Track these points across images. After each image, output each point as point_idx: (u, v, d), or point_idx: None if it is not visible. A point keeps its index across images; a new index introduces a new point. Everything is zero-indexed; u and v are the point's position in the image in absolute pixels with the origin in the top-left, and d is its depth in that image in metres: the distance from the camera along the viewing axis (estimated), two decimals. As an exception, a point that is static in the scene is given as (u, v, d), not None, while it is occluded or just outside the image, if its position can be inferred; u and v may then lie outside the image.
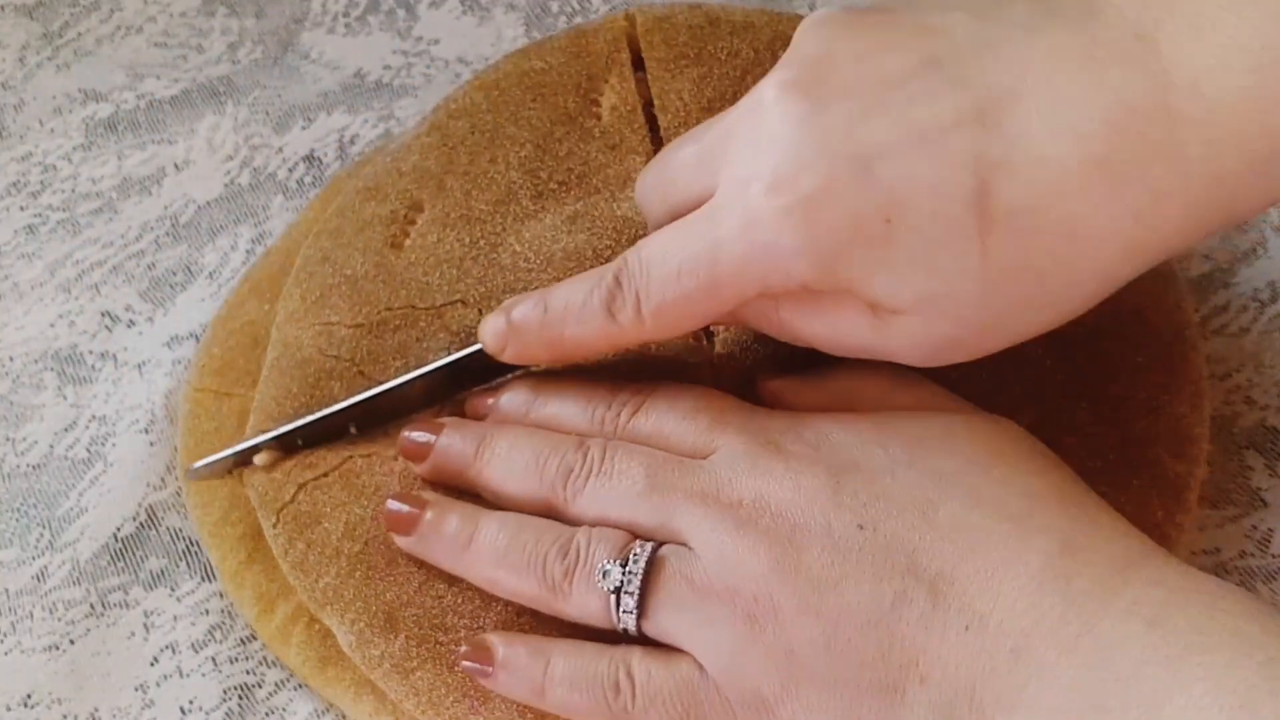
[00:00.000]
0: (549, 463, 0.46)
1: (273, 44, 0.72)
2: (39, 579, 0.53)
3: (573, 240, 0.53)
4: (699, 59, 0.58)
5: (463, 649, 0.45)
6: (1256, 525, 0.53)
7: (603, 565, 0.43)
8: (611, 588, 0.43)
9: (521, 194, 0.55)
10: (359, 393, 0.51)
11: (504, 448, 0.47)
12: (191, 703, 0.50)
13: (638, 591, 0.43)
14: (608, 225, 0.53)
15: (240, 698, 0.50)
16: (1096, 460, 0.48)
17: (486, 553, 0.45)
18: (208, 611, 0.52)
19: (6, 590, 0.53)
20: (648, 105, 0.57)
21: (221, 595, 0.52)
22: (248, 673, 0.51)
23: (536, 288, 0.50)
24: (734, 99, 0.55)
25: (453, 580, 0.47)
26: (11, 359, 0.59)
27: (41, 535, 0.54)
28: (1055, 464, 0.43)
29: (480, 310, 0.52)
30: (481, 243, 0.54)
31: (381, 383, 0.51)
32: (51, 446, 0.56)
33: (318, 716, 0.50)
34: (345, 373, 0.52)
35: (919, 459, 0.42)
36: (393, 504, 0.48)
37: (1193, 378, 0.52)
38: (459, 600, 0.47)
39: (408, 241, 0.55)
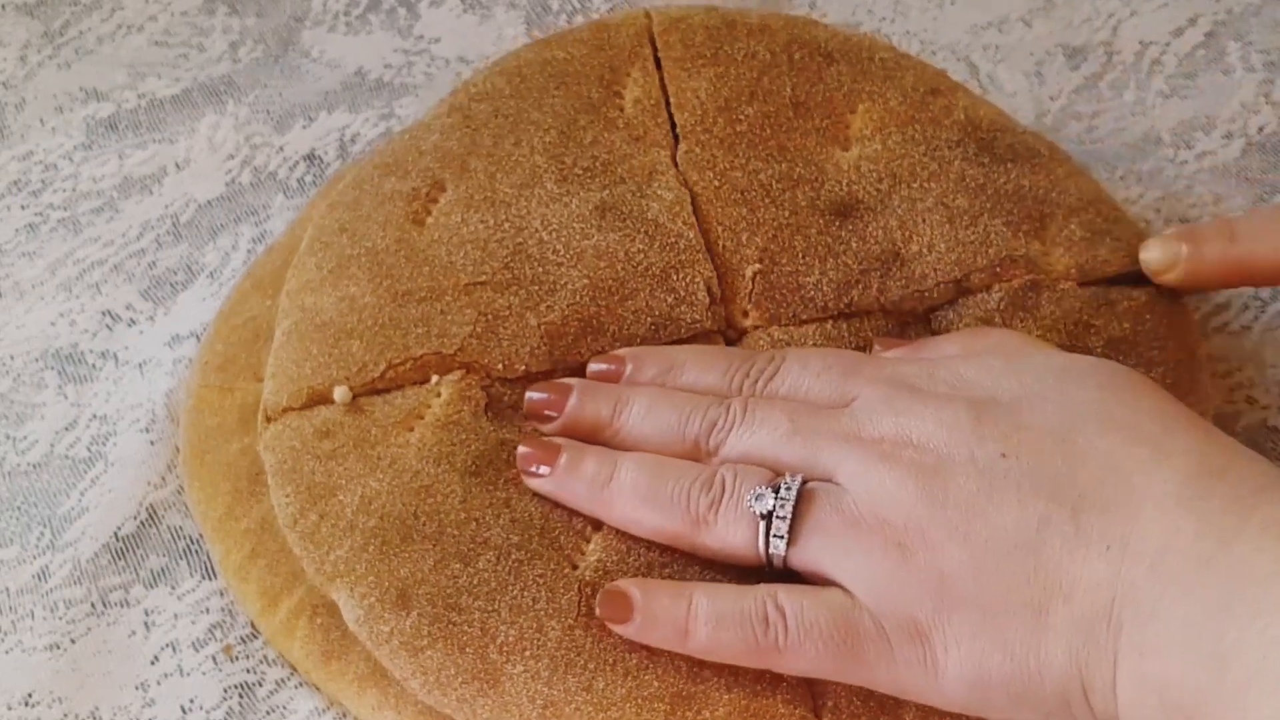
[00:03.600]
0: (691, 418, 0.47)
1: (274, 43, 0.72)
2: (40, 578, 0.53)
3: (604, 239, 0.53)
4: (715, 59, 0.58)
5: (598, 602, 0.45)
6: (1257, 524, 0.52)
7: (755, 490, 0.44)
8: (764, 510, 0.44)
9: (546, 178, 0.55)
10: (377, 353, 0.51)
11: (643, 406, 0.48)
12: (192, 701, 0.50)
13: (789, 517, 0.43)
14: (639, 227, 0.53)
15: (241, 696, 0.50)
16: None
17: (627, 490, 0.46)
18: (208, 610, 0.52)
19: (7, 589, 0.53)
20: (667, 103, 0.58)
21: (222, 593, 0.52)
22: (248, 671, 0.51)
23: (566, 282, 0.52)
24: (750, 99, 0.56)
25: (468, 560, 0.46)
26: (12, 358, 0.59)
27: (42, 534, 0.54)
28: (1179, 402, 0.44)
29: (503, 295, 0.52)
30: (506, 225, 0.53)
31: (406, 348, 0.51)
32: (52, 445, 0.57)
33: (318, 715, 0.50)
34: (367, 333, 0.51)
35: (1053, 391, 0.43)
36: (524, 449, 0.48)
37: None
38: (474, 581, 0.46)
39: (430, 219, 0.54)
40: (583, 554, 0.47)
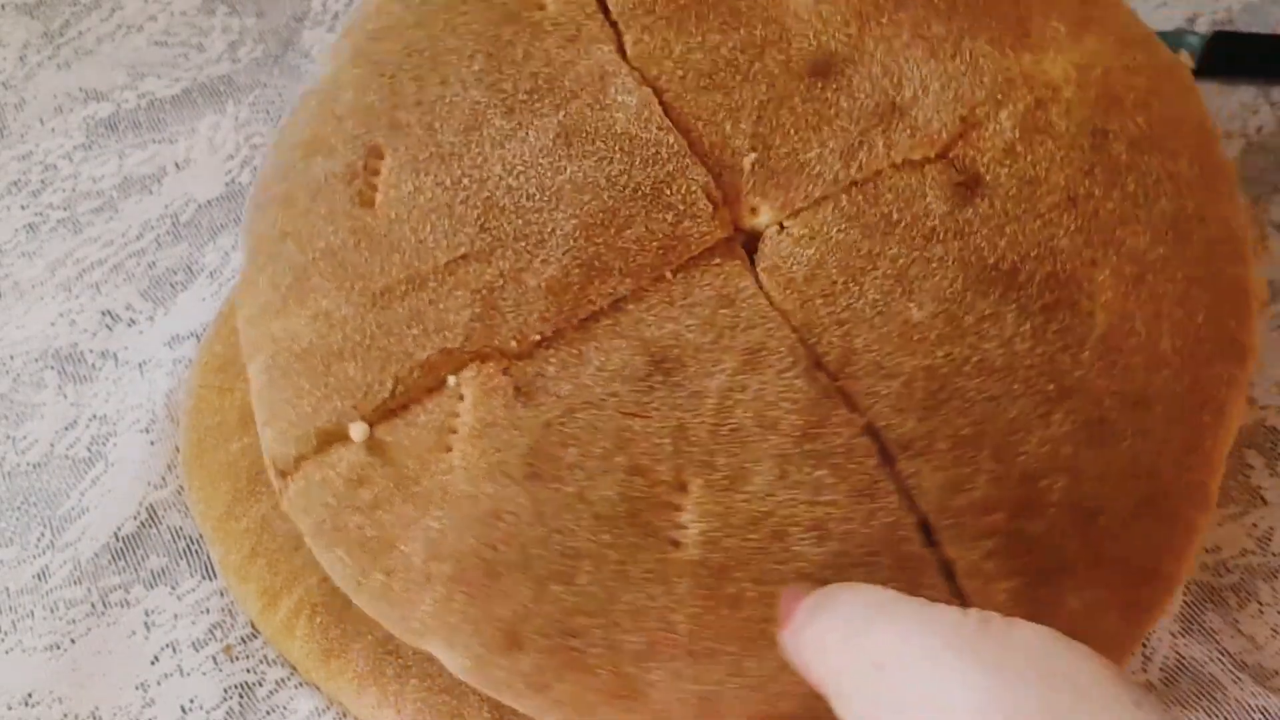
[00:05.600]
0: None
1: (273, 43, 0.72)
2: (40, 578, 0.53)
3: (578, 169, 0.46)
4: None
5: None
6: (1257, 524, 0.53)
7: None
8: None
9: (491, 114, 0.47)
10: (378, 369, 0.44)
11: None
12: (192, 701, 0.50)
13: None
14: (611, 145, 0.47)
15: (241, 696, 0.50)
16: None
17: None
18: (208, 610, 0.52)
19: (7, 589, 0.53)
20: None
21: (222, 594, 0.52)
22: (248, 671, 0.51)
23: (552, 228, 0.45)
24: None
25: (567, 578, 0.41)
26: (12, 357, 0.59)
27: (42, 535, 0.54)
28: None
29: (491, 263, 0.45)
30: (465, 181, 0.46)
31: (407, 354, 0.44)
32: (52, 445, 0.57)
33: (318, 715, 0.50)
34: (358, 349, 0.45)
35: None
36: None
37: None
38: (581, 598, 0.41)
39: (378, 196, 0.47)
40: (681, 528, 0.42)
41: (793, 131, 0.47)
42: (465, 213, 0.46)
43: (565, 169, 0.46)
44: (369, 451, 0.44)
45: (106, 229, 0.64)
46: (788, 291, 0.45)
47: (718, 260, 0.45)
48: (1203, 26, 0.70)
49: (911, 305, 0.44)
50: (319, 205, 0.47)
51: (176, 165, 0.66)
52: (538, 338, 0.44)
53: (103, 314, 0.61)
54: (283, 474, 0.45)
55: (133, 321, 0.60)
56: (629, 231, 0.45)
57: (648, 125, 0.47)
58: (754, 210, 0.47)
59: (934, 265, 0.45)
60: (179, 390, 0.57)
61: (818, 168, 0.47)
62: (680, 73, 0.48)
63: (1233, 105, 0.67)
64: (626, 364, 0.44)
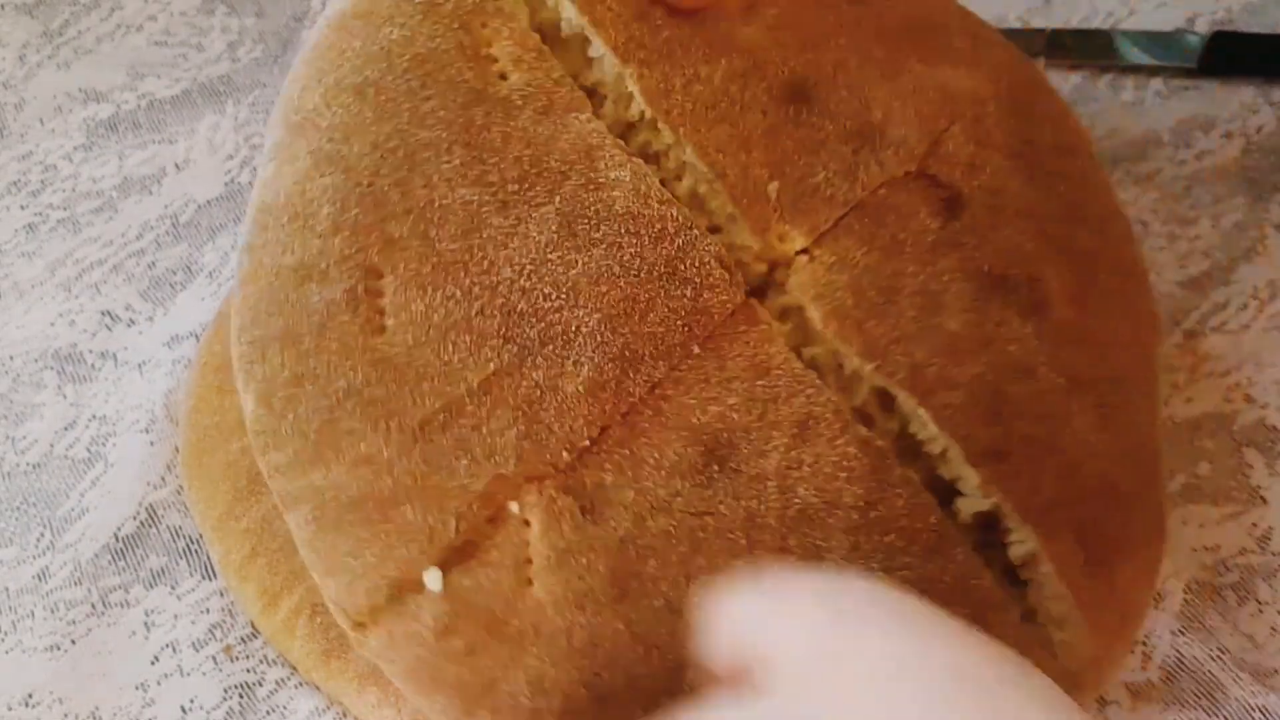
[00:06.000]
0: None
1: (273, 42, 0.72)
2: (40, 578, 0.53)
3: (589, 259, 0.45)
4: None
5: None
6: (1256, 523, 0.53)
7: None
8: None
9: (486, 212, 0.45)
10: (437, 509, 0.43)
11: None
12: (192, 701, 0.50)
13: None
14: (618, 230, 0.45)
15: (241, 696, 0.50)
16: None
17: None
18: (208, 610, 0.52)
19: (7, 589, 0.53)
20: (548, 29, 0.48)
21: (222, 594, 0.52)
22: (248, 671, 0.51)
23: (576, 326, 0.44)
24: None
25: (674, 689, 0.40)
26: (12, 358, 0.59)
27: (42, 535, 0.54)
28: None
29: (524, 375, 0.43)
30: (477, 290, 0.44)
31: (463, 488, 0.43)
32: (52, 445, 0.57)
33: (318, 714, 0.50)
34: (411, 491, 0.43)
35: None
36: None
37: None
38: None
39: (388, 321, 0.44)
40: None
41: (797, 157, 0.48)
42: (485, 325, 0.44)
43: (576, 262, 0.45)
44: (451, 601, 0.42)
45: (106, 229, 0.64)
46: (842, 320, 0.45)
47: (742, 327, 0.45)
48: (1202, 26, 0.70)
49: (945, 318, 0.46)
50: (328, 341, 0.44)
51: (176, 166, 0.66)
52: (587, 443, 0.43)
53: (102, 314, 0.61)
54: (358, 625, 0.44)
55: (132, 322, 0.60)
56: (652, 315, 0.45)
57: (648, 201, 0.46)
58: (782, 237, 0.47)
59: (946, 279, 0.46)
60: (179, 390, 0.57)
61: (828, 190, 0.47)
62: (689, 105, 0.47)
63: (1233, 105, 0.67)
64: (682, 457, 0.43)
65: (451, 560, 0.43)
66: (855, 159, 0.48)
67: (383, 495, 0.43)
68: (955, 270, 0.47)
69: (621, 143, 0.46)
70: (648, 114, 0.47)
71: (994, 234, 0.48)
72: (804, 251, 0.46)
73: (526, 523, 0.43)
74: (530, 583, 0.42)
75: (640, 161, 0.46)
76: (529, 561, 0.43)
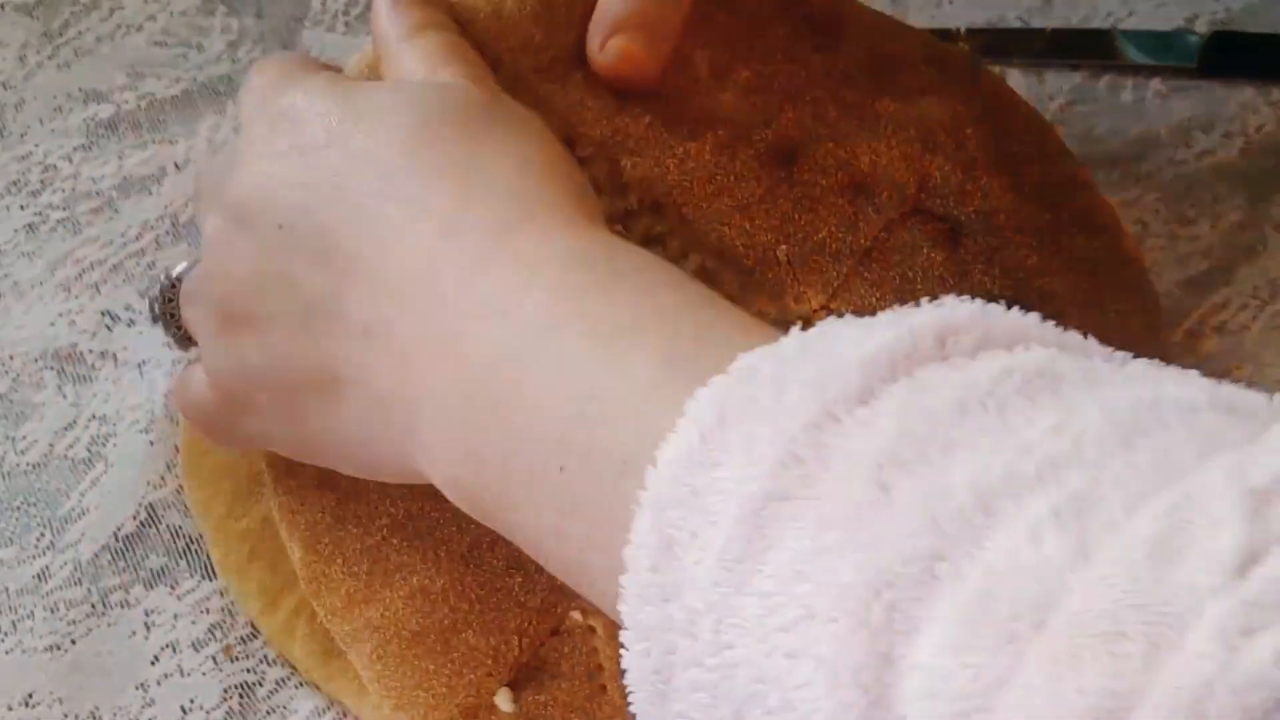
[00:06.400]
0: None
1: (273, 43, 0.72)
2: (40, 578, 0.53)
3: None
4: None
5: None
6: (1257, 523, 0.53)
7: None
8: None
9: None
10: (498, 630, 0.45)
11: None
12: (192, 702, 0.50)
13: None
14: None
15: (241, 696, 0.50)
16: None
17: None
18: (208, 610, 0.52)
19: (7, 589, 0.53)
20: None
21: (222, 593, 0.52)
22: (248, 671, 0.51)
23: None
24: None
25: None
26: (11, 358, 0.59)
27: (42, 535, 0.54)
28: (501, 138, 0.42)
29: None
30: None
31: (520, 604, 0.45)
32: (51, 445, 0.56)
33: (319, 715, 0.50)
34: (470, 615, 0.45)
35: (355, 139, 0.41)
36: None
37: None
38: None
39: None
40: None
41: (797, 216, 0.49)
42: None
43: None
44: (527, 718, 0.44)
45: (106, 229, 0.64)
46: None
47: None
48: (1202, 27, 0.70)
49: None
50: (363, 482, 0.46)
51: (176, 165, 0.66)
52: None
53: (102, 314, 0.61)
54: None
55: (132, 321, 0.60)
56: None
57: None
58: (798, 298, 0.48)
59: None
60: (179, 390, 0.57)
61: (834, 245, 0.49)
62: (687, 184, 0.49)
63: (1232, 105, 0.67)
64: None
65: (522, 679, 0.44)
66: (853, 209, 0.49)
67: (442, 624, 0.45)
68: (965, 299, 0.47)
69: (624, 231, 0.47)
70: (645, 200, 0.48)
71: (998, 255, 0.49)
72: (823, 307, 0.48)
73: (592, 629, 0.44)
74: (604, 689, 0.43)
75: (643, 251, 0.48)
76: (600, 668, 0.43)
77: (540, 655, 0.45)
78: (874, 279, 0.48)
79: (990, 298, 0.47)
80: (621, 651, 0.32)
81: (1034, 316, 0.32)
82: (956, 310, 0.31)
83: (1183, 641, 0.23)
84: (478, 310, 0.37)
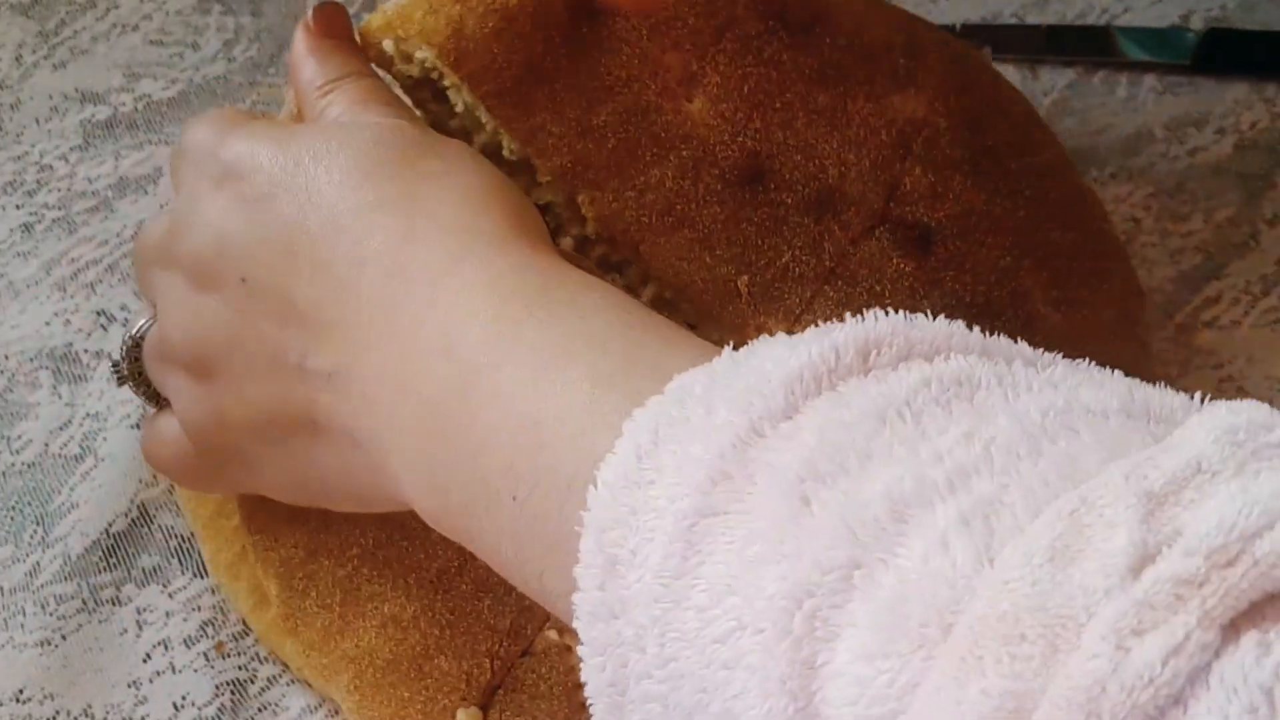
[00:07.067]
0: None
1: (269, 41, 0.72)
2: (31, 575, 0.53)
3: None
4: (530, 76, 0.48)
5: None
6: (1247, 518, 0.53)
7: None
8: None
9: None
10: (469, 654, 0.45)
11: None
12: (184, 698, 0.50)
13: None
14: None
15: (233, 693, 0.50)
16: None
17: None
18: (200, 608, 0.52)
19: (1, 589, 0.53)
20: (490, 154, 0.48)
21: (214, 591, 0.52)
22: (240, 668, 0.51)
23: None
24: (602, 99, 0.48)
25: None
26: (6, 357, 0.60)
27: (35, 532, 0.54)
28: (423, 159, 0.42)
29: None
30: None
31: (490, 628, 0.46)
32: (46, 445, 0.57)
33: (310, 711, 0.50)
34: (440, 641, 0.46)
35: (302, 179, 0.42)
36: None
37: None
38: None
39: None
40: None
41: (760, 241, 0.48)
42: None
43: None
44: None
45: (101, 229, 0.64)
46: None
47: None
48: (1197, 23, 0.70)
49: None
50: (332, 514, 0.46)
51: (172, 165, 0.66)
52: None
53: (97, 314, 0.61)
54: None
55: (127, 321, 0.61)
56: None
57: None
58: (759, 328, 0.47)
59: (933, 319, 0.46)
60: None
61: (797, 269, 0.48)
62: (645, 218, 0.48)
63: (1226, 102, 0.67)
64: None
65: (502, 701, 0.45)
66: (818, 228, 0.48)
67: (414, 651, 0.45)
68: (939, 309, 0.46)
69: (579, 254, 0.48)
70: (603, 234, 0.48)
71: (969, 260, 0.49)
72: (788, 333, 0.47)
73: (569, 647, 0.44)
74: (584, 707, 0.42)
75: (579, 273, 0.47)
76: (580, 685, 0.43)
77: (516, 677, 0.45)
78: (840, 297, 0.48)
79: (962, 303, 0.47)
80: (580, 665, 0.33)
81: (958, 324, 0.32)
82: (879, 323, 0.32)
83: (1079, 642, 0.24)
84: (425, 348, 0.38)
